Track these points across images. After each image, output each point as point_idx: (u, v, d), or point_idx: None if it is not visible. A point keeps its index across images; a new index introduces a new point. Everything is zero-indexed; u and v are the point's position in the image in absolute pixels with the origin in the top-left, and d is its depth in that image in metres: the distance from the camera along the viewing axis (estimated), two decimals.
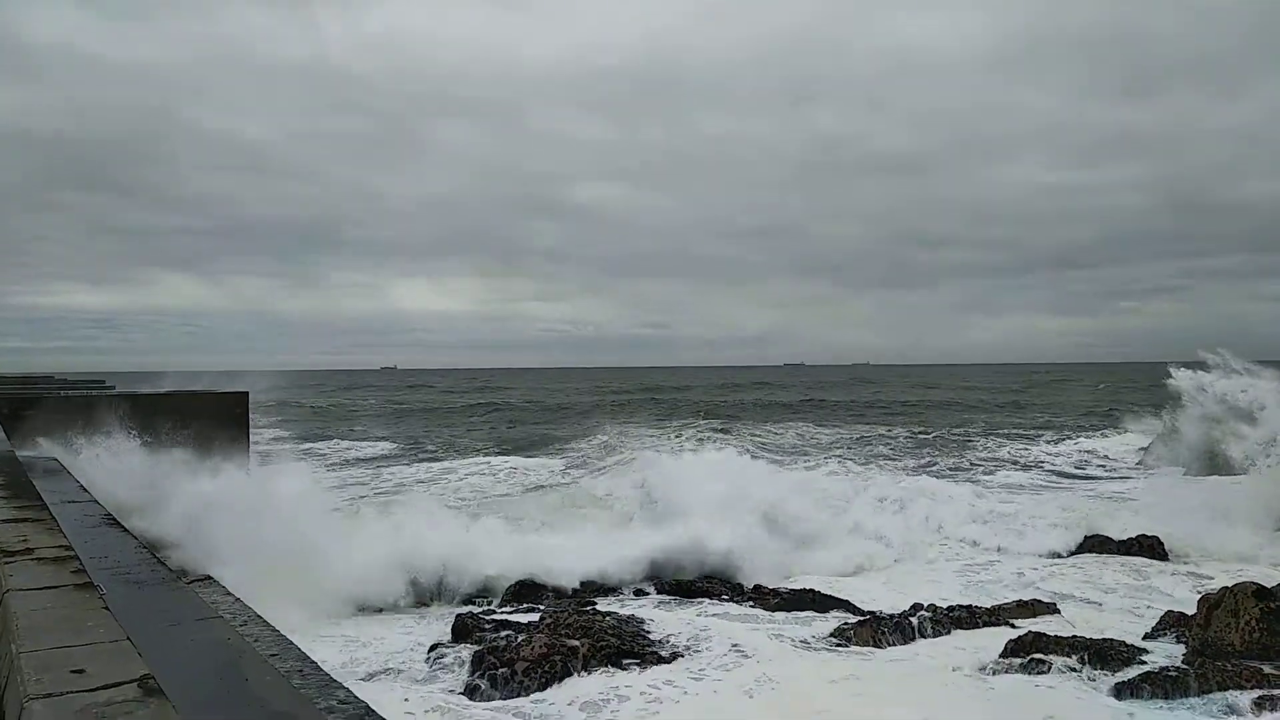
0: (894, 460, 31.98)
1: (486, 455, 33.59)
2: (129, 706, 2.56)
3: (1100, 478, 28.18)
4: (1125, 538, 16.52)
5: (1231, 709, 8.39)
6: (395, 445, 39.15)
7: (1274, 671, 8.94)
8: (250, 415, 21.18)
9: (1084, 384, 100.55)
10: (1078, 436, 39.17)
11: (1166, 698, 8.75)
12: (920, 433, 41.79)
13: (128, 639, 3.36)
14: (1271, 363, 28.38)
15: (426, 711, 8.92)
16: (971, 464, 31.51)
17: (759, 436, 39.94)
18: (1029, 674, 9.54)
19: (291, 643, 8.19)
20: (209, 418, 18.67)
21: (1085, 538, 16.89)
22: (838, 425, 45.86)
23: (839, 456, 32.44)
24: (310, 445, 38.11)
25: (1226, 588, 10.19)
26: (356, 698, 5.08)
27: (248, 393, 20.86)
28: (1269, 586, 10.00)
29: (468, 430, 47.11)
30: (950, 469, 30.00)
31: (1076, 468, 30.63)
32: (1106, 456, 33.11)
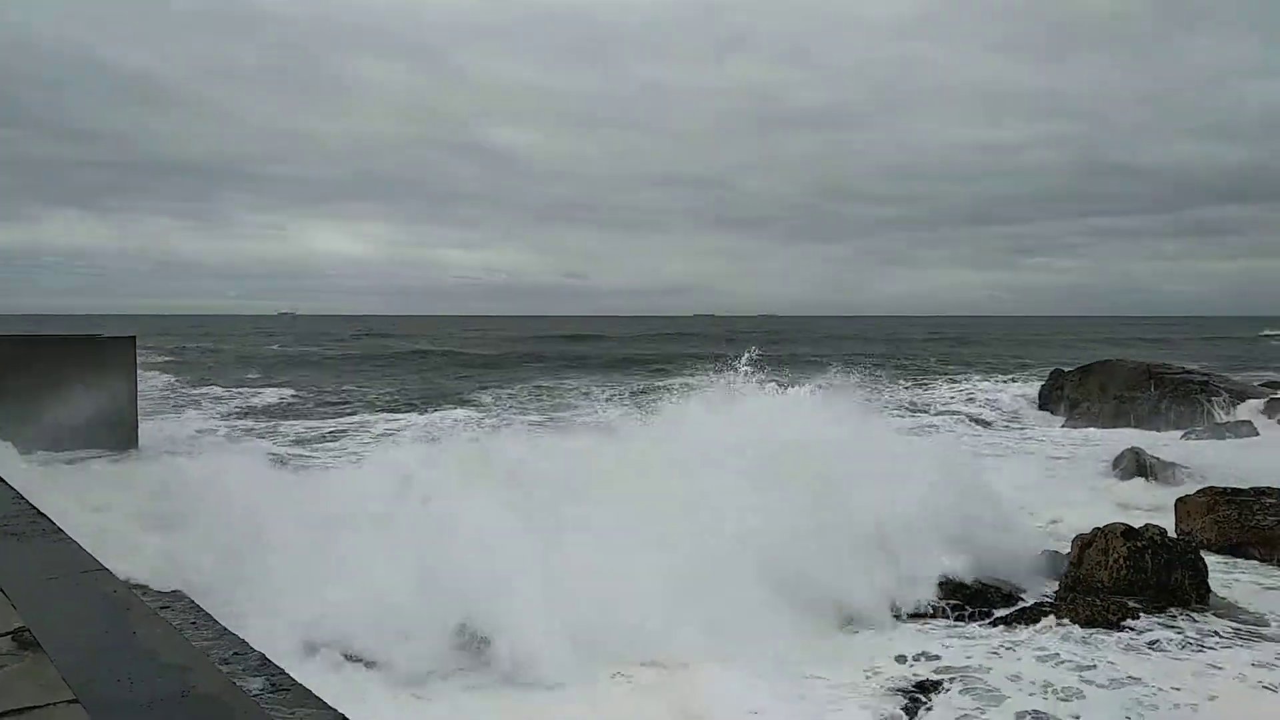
0: None
1: (387, 411, 32.84)
2: (1, 660, 2.48)
3: (987, 423, 29.41)
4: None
5: (1097, 641, 9.00)
6: (295, 394, 38.08)
7: (1137, 605, 9.68)
8: (139, 361, 20.28)
9: (989, 335, 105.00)
10: (971, 384, 40.71)
11: (1039, 631, 9.32)
12: (819, 378, 42.74)
13: (1, 591, 3.24)
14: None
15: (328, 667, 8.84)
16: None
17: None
18: (910, 618, 9.99)
19: (185, 595, 8.00)
20: (92, 365, 17.82)
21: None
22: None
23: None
24: (203, 391, 36.82)
25: (1098, 528, 10.84)
26: (252, 648, 5.02)
27: (135, 337, 19.95)
28: (1136, 527, 10.69)
29: (374, 379, 46.13)
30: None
31: (966, 414, 31.80)
32: (997, 404, 34.46)
